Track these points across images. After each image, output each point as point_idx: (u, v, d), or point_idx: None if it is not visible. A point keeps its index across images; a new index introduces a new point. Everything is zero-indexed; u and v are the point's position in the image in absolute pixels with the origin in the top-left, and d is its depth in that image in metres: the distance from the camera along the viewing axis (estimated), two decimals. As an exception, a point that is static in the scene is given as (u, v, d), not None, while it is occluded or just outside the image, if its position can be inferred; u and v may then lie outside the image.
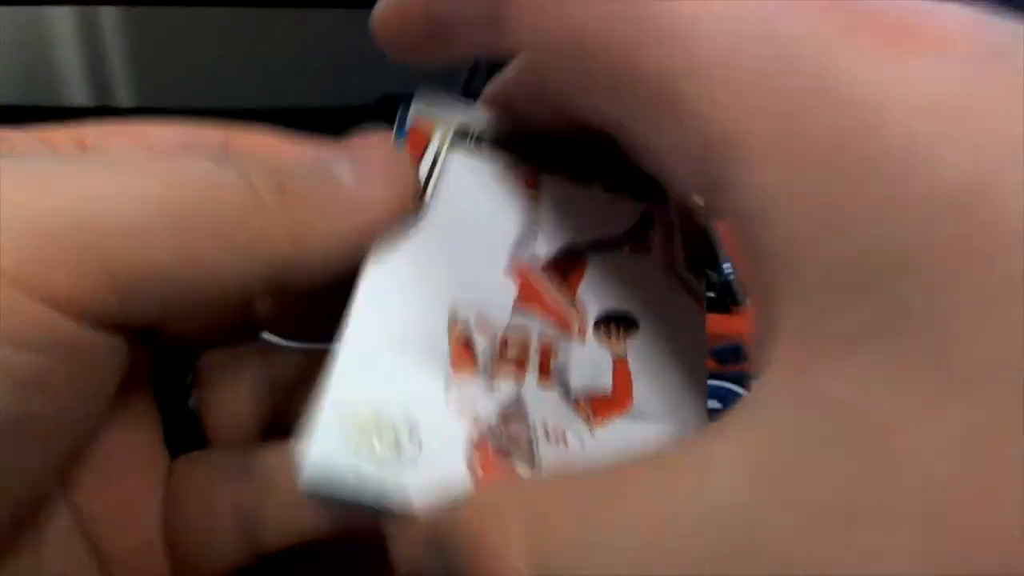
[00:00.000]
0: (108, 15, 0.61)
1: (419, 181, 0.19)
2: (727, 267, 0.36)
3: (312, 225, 0.18)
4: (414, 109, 0.22)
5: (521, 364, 0.18)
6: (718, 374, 0.33)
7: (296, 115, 0.57)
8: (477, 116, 0.22)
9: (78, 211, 0.15)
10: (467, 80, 0.57)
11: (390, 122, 0.22)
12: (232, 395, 0.22)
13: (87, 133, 0.21)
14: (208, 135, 0.22)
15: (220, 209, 0.17)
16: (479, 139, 0.21)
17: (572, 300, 0.18)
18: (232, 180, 0.17)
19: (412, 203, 0.19)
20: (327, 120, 0.51)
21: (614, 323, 0.18)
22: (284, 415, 0.22)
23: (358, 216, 0.18)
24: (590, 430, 0.17)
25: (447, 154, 0.21)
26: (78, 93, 0.63)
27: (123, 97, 0.64)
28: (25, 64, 0.61)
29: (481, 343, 0.18)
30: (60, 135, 0.21)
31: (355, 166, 0.19)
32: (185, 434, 0.21)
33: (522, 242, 0.19)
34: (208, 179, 0.17)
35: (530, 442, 0.17)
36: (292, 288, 0.18)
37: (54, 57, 0.61)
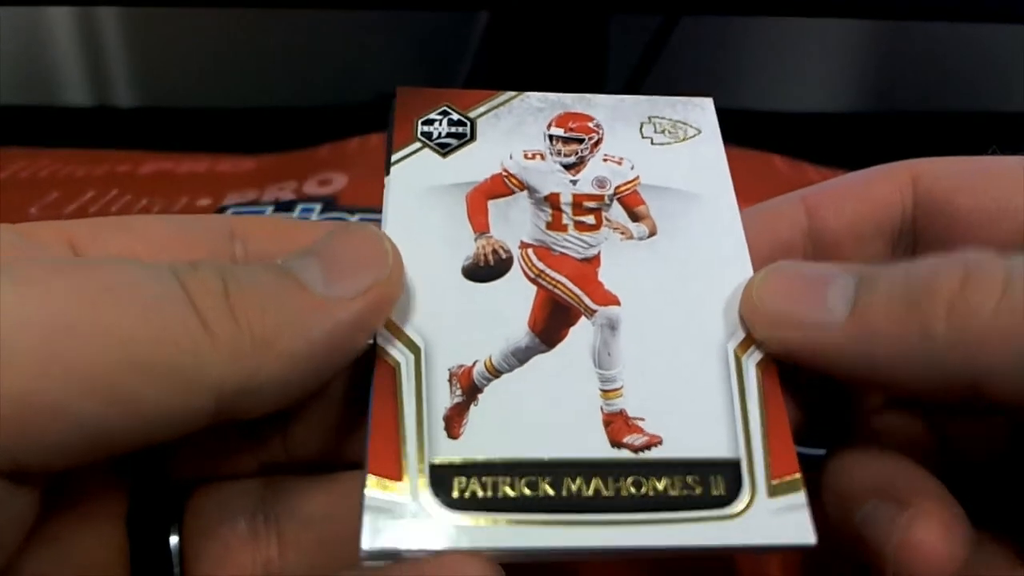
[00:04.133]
0: (108, 15, 0.61)
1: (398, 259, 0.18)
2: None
3: (268, 343, 0.15)
4: (397, 106, 0.22)
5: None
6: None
7: (296, 115, 0.58)
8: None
9: None
10: (467, 79, 0.57)
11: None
12: (222, 537, 0.18)
13: (79, 230, 0.18)
14: (212, 228, 0.19)
15: (149, 334, 0.14)
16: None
17: None
18: (168, 295, 0.15)
19: (394, 288, 0.17)
20: (327, 120, 0.51)
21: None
22: (287, 558, 0.19)
23: (327, 321, 0.16)
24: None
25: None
26: (78, 93, 0.63)
27: (123, 97, 0.64)
28: (25, 64, 0.61)
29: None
30: (48, 232, 0.18)
31: (324, 263, 0.17)
32: None
33: None
34: (137, 295, 0.14)
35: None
36: (253, 411, 0.16)
37: (54, 57, 0.61)
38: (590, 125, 0.22)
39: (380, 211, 0.20)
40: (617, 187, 0.21)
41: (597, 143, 0.21)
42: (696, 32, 0.57)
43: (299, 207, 0.42)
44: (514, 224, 0.20)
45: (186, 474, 0.19)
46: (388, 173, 0.20)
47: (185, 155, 0.49)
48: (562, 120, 0.22)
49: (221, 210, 0.42)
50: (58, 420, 0.14)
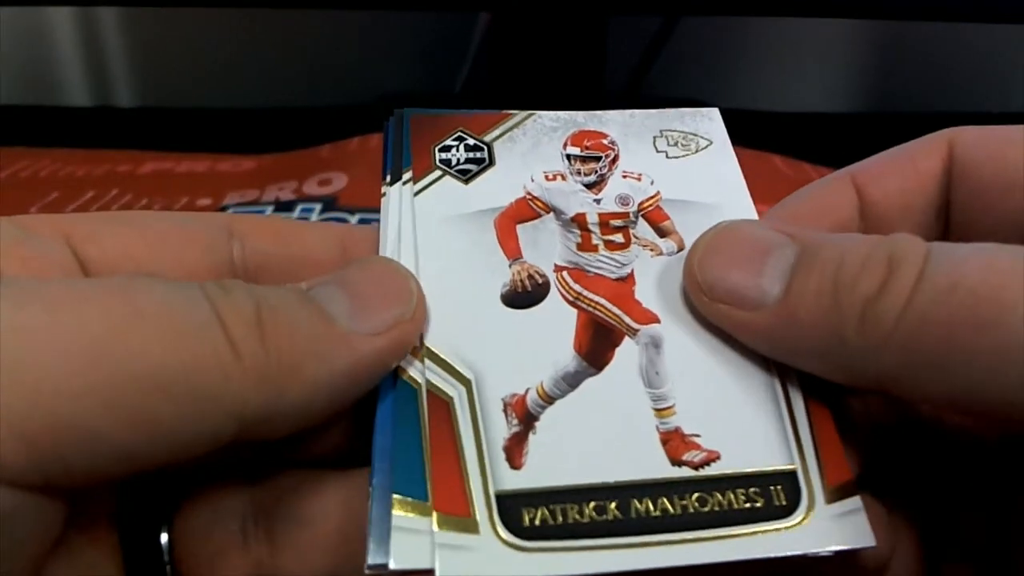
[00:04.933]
0: (108, 15, 0.61)
1: (421, 293, 0.18)
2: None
3: (293, 370, 0.15)
4: (410, 128, 0.22)
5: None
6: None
7: (296, 115, 0.58)
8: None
9: None
10: (467, 79, 0.57)
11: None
12: (213, 538, 0.18)
13: (76, 224, 0.18)
14: (210, 225, 0.20)
15: (179, 359, 0.14)
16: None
17: None
18: (198, 318, 0.15)
19: (417, 326, 0.18)
20: (327, 120, 0.51)
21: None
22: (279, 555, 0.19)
23: (351, 354, 0.16)
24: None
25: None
26: (78, 93, 0.63)
27: (123, 97, 0.64)
28: (26, 64, 0.61)
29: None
30: (45, 225, 0.18)
31: (350, 296, 0.17)
32: None
33: None
34: (167, 317, 0.15)
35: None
36: (271, 434, 0.16)
37: (54, 57, 0.61)
38: (605, 143, 0.22)
39: (379, 212, 0.20)
40: (640, 203, 0.21)
41: (614, 160, 0.21)
42: (696, 32, 0.58)
43: (299, 207, 0.42)
44: (544, 248, 0.20)
45: (177, 474, 0.19)
46: (386, 182, 0.21)
47: (185, 155, 0.49)
48: (577, 139, 0.22)
49: (221, 210, 0.42)
50: (87, 442, 0.14)
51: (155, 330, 0.14)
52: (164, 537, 0.19)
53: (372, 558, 0.15)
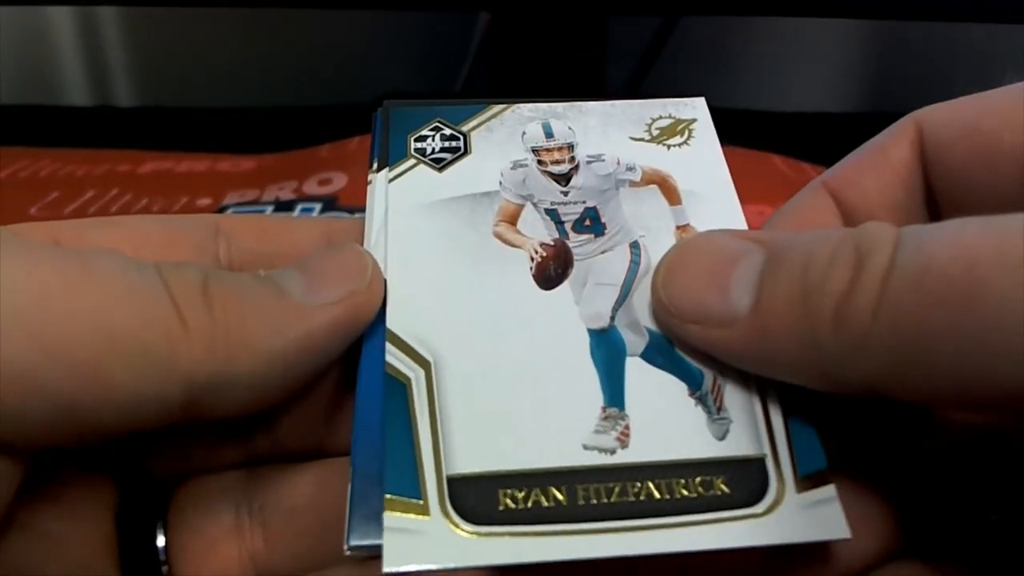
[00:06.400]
0: (108, 15, 0.61)
1: (381, 274, 0.18)
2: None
3: (243, 340, 0.15)
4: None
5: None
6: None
7: (296, 115, 0.58)
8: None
9: None
10: (467, 79, 0.57)
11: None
12: (206, 531, 0.19)
13: (65, 229, 0.19)
14: (197, 225, 0.20)
15: (123, 316, 0.14)
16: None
17: None
18: (146, 284, 0.15)
19: (373, 298, 0.18)
20: (327, 120, 0.51)
21: None
22: (275, 554, 0.19)
23: (304, 325, 0.16)
24: None
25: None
26: (78, 93, 0.63)
27: (123, 97, 0.64)
28: (25, 64, 0.61)
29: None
30: (35, 232, 0.18)
31: (305, 274, 0.17)
32: None
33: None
34: (116, 279, 0.15)
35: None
36: (226, 409, 0.16)
37: (54, 57, 0.61)
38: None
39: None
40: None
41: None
42: (696, 32, 0.58)
43: (299, 207, 0.42)
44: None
45: (170, 468, 0.19)
46: (372, 170, 0.21)
47: (185, 155, 0.49)
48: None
49: (221, 210, 0.42)
50: (29, 391, 0.14)
51: (104, 290, 0.15)
52: (160, 535, 0.19)
53: (352, 540, 0.15)
